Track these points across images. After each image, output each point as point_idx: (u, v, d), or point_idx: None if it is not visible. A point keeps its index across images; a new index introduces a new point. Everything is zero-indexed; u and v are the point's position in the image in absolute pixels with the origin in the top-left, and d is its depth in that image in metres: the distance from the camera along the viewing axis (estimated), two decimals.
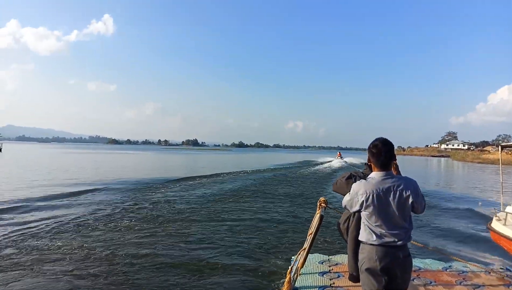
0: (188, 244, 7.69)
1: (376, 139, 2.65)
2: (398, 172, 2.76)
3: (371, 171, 2.70)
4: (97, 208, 11.52)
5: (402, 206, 2.49)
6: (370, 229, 2.54)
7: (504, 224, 6.68)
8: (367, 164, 2.87)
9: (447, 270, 4.61)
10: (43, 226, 8.97)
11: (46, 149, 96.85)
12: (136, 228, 9.00)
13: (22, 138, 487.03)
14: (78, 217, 10.16)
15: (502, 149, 8.79)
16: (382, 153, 2.54)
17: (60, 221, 9.52)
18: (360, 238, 2.65)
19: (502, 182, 8.51)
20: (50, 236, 8.11)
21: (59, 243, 7.49)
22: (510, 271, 5.08)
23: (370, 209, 2.50)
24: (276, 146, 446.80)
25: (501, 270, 4.98)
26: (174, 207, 12.16)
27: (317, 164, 46.01)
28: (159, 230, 8.88)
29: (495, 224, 7.00)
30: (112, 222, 9.55)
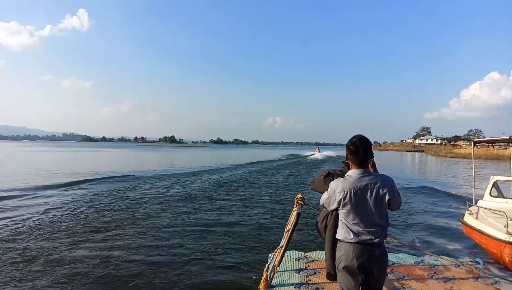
0: (160, 247, 7.46)
1: (354, 137, 2.64)
2: (375, 169, 2.75)
3: (349, 169, 2.70)
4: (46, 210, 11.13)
5: (379, 203, 2.49)
6: (348, 227, 2.53)
7: (476, 218, 6.87)
8: (345, 162, 2.86)
9: (420, 264, 4.69)
10: None
11: (11, 147, 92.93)
12: (95, 231, 8.61)
13: None
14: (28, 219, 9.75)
15: (474, 145, 9.02)
16: (360, 150, 2.54)
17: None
18: (338, 236, 2.64)
19: (474, 177, 8.75)
20: None
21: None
22: (479, 263, 5.23)
23: (348, 207, 2.49)
24: (255, 142, 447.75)
25: (470, 263, 5.12)
26: (144, 206, 11.92)
27: (305, 156, 59.66)
28: (123, 232, 8.49)
29: (468, 218, 7.20)
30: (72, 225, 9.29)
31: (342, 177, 2.65)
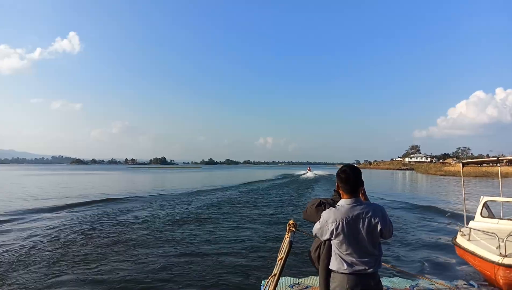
0: (146, 275, 7.22)
1: (344, 165, 2.71)
2: (366, 198, 2.77)
3: (340, 197, 2.72)
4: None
5: (371, 233, 2.50)
6: (341, 257, 2.53)
7: (469, 240, 6.88)
8: (336, 190, 2.87)
9: (414, 289, 4.65)
10: None
11: None
12: (77, 260, 8.30)
13: None
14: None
15: (463, 166, 9.12)
16: (351, 178, 2.57)
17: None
18: (331, 267, 2.63)
19: (464, 198, 8.82)
20: None
21: None
22: (473, 286, 5.20)
23: (340, 237, 2.50)
24: (246, 162, 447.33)
25: (465, 286, 5.08)
26: (131, 231, 11.65)
27: (297, 175, 63.42)
28: (106, 259, 8.25)
29: (460, 240, 7.20)
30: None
31: (334, 206, 2.67)
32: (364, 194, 2.76)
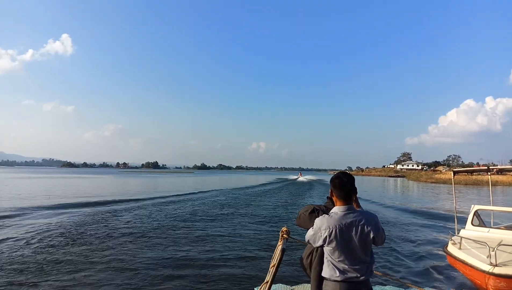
0: (138, 279, 7.15)
1: (339, 172, 2.71)
2: (358, 205, 2.78)
3: (333, 204, 2.72)
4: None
5: (363, 241, 2.51)
6: (333, 264, 2.53)
7: (459, 248, 6.90)
8: (329, 197, 2.87)
9: None
10: None
11: None
12: (73, 260, 8.34)
13: None
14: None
15: (454, 175, 9.17)
16: (344, 185, 2.58)
17: None
18: (323, 274, 2.63)
19: (455, 207, 8.87)
20: None
21: None
22: None
23: (333, 244, 2.50)
24: (239, 167, 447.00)
25: None
26: (118, 237, 11.48)
27: (291, 180, 73.54)
28: (89, 269, 7.88)
29: (451, 248, 7.22)
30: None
31: (327, 213, 2.68)
32: (356, 201, 2.77)
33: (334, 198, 2.68)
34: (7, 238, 10.71)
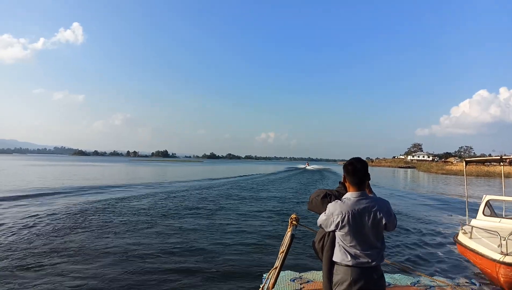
0: (148, 264, 7.29)
1: (352, 158, 2.69)
2: (371, 191, 2.77)
3: (345, 189, 2.72)
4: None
5: (375, 227, 2.51)
6: (345, 249, 2.53)
7: (470, 237, 6.85)
8: (341, 182, 2.86)
9: (416, 285, 4.64)
10: None
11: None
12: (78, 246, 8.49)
13: None
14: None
15: (466, 164, 9.07)
16: (357, 170, 2.57)
17: None
18: (335, 258, 2.63)
19: (467, 196, 8.78)
20: None
21: None
22: (475, 284, 5.18)
23: (346, 229, 2.50)
24: (248, 157, 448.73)
25: (466, 284, 5.07)
26: (127, 223, 11.68)
27: (301, 168, 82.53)
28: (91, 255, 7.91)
29: (462, 237, 7.17)
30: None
31: (339, 198, 2.69)
32: (369, 187, 2.76)
33: (347, 184, 2.67)
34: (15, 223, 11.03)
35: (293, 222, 3.92)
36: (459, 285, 4.77)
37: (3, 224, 10.86)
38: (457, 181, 45.93)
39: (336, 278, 2.57)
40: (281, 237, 4.68)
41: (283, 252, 3.76)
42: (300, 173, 59.46)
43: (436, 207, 18.08)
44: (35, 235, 9.47)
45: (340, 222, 2.50)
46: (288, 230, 3.88)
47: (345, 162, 2.82)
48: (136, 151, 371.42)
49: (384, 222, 2.50)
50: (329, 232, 2.71)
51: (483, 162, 10.85)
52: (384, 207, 2.55)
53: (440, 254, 8.75)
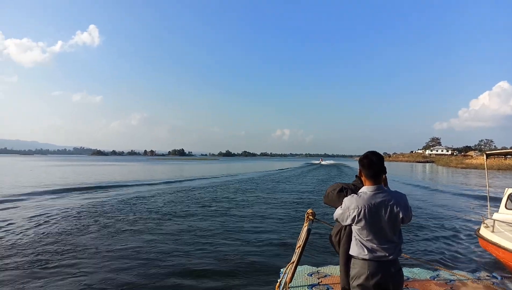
0: (164, 259, 7.41)
1: (368, 152, 2.67)
2: (386, 185, 2.74)
3: (361, 183, 2.70)
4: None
5: (393, 221, 2.49)
6: (362, 243, 2.52)
7: (492, 231, 6.73)
8: (357, 176, 2.85)
9: (435, 279, 4.57)
10: None
11: (22, 162, 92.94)
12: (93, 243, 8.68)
13: (4, 151, 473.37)
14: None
15: (487, 158, 8.86)
16: (373, 164, 2.55)
17: None
18: (351, 252, 2.62)
19: (488, 190, 8.60)
20: None
21: None
22: (496, 278, 5.08)
23: (362, 223, 2.48)
24: (264, 154, 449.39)
25: (487, 277, 4.97)
26: (143, 218, 11.92)
27: (315, 163, 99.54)
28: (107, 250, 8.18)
29: (483, 231, 7.05)
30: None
31: (355, 192, 2.67)
32: (385, 181, 2.73)
33: (363, 178, 2.65)
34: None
35: (310, 217, 3.94)
36: (480, 279, 4.68)
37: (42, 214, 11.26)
38: (477, 174, 44.82)
39: (353, 271, 2.56)
40: (298, 232, 4.70)
41: (300, 246, 3.79)
42: (315, 169, 61.66)
43: (455, 201, 17.76)
44: (64, 226, 9.76)
45: (356, 216, 2.48)
46: (305, 224, 3.89)
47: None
48: (153, 150, 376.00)
49: (401, 216, 2.48)
50: (346, 226, 2.71)
51: (504, 155, 10.58)
52: (401, 201, 2.52)
53: (460, 248, 8.60)
